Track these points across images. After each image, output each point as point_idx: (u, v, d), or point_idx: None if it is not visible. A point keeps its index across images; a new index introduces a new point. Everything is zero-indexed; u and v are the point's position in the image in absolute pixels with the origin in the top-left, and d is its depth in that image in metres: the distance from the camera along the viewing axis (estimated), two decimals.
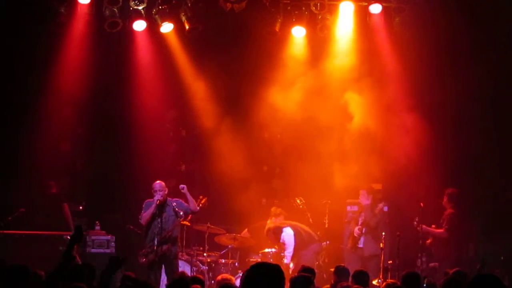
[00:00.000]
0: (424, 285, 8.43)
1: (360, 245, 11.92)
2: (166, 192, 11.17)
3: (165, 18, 12.39)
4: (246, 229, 12.67)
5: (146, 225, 11.19)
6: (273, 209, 12.83)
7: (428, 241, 12.19)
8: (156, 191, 11.11)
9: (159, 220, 10.98)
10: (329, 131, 12.97)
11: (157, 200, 11.00)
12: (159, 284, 10.69)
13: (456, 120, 12.81)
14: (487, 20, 12.15)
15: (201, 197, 11.60)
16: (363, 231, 11.90)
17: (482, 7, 12.06)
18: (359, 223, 12.02)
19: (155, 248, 10.81)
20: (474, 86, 12.53)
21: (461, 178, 12.63)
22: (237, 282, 10.22)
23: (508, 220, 12.36)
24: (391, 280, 8.70)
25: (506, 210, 12.39)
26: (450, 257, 11.75)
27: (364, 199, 12.20)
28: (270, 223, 12.73)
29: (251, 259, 12.17)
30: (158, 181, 11.27)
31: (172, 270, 10.90)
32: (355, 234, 12.01)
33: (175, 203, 11.15)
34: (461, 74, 12.53)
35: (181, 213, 11.08)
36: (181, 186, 11.15)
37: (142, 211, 11.22)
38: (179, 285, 6.33)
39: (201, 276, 7.48)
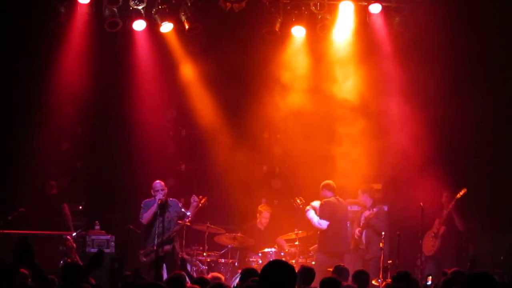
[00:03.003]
0: (428, 283, 8.42)
1: (362, 246, 11.89)
2: (166, 192, 11.22)
3: (165, 17, 12.39)
4: (239, 233, 12.64)
5: (147, 224, 11.21)
6: (259, 207, 12.92)
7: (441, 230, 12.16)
8: (157, 190, 11.15)
9: (161, 219, 11.00)
10: (329, 130, 12.98)
11: (159, 199, 11.04)
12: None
13: (456, 119, 12.80)
14: (486, 19, 12.15)
15: (200, 197, 11.62)
16: (363, 233, 11.87)
17: (481, 6, 12.06)
18: (361, 224, 12.01)
19: (155, 248, 10.83)
20: (474, 84, 12.54)
21: (460, 178, 12.63)
22: (235, 283, 10.25)
23: (508, 219, 12.36)
24: (391, 280, 8.68)
25: (506, 210, 12.38)
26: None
27: (365, 200, 12.19)
28: (259, 223, 12.77)
29: (251, 259, 12.19)
30: (158, 181, 11.31)
31: (174, 269, 10.90)
32: (356, 236, 11.99)
33: (181, 204, 11.23)
34: (461, 72, 12.54)
35: (188, 213, 11.16)
36: (195, 199, 11.21)
37: (142, 211, 11.25)
38: (176, 282, 6.35)
39: (206, 277, 7.45)
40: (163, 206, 11.10)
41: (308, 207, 11.86)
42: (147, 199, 11.31)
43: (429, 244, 12.11)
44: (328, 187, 11.89)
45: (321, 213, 11.75)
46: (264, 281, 4.52)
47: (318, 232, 11.85)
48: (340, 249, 11.62)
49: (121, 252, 11.22)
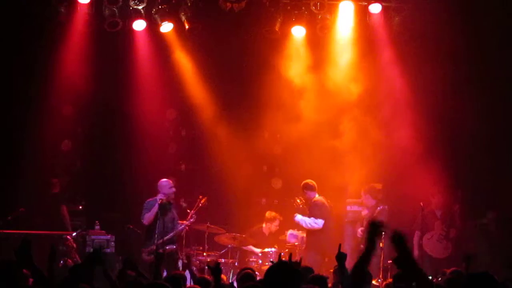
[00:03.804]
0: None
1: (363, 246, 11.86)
2: (172, 191, 11.26)
3: (165, 17, 12.41)
4: (244, 235, 12.63)
5: (150, 224, 11.20)
6: (267, 213, 12.82)
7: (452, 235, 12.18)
8: (171, 187, 11.23)
9: (162, 220, 11.03)
10: (329, 130, 12.99)
11: (159, 199, 11.05)
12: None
13: (457, 118, 12.81)
14: (484, 18, 12.17)
15: (200, 196, 11.67)
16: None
17: (480, 5, 12.10)
18: (364, 224, 12.02)
19: (155, 247, 10.84)
20: (474, 84, 12.55)
21: (460, 177, 12.64)
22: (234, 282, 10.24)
23: (508, 219, 12.37)
24: (391, 280, 8.68)
25: (506, 210, 12.39)
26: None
27: (367, 201, 12.21)
28: (265, 228, 12.74)
29: (251, 259, 12.18)
30: (165, 179, 11.33)
31: (175, 269, 10.95)
32: (358, 235, 12.01)
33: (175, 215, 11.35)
34: (461, 72, 12.54)
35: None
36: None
37: (144, 211, 11.22)
38: (175, 282, 6.37)
39: (208, 278, 7.46)
40: (164, 207, 11.11)
41: (296, 214, 11.83)
42: (150, 199, 11.30)
43: (440, 247, 12.09)
44: (311, 187, 11.88)
45: (316, 212, 11.70)
46: (268, 282, 4.50)
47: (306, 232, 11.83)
48: (332, 248, 11.52)
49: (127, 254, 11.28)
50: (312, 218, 11.72)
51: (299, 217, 11.81)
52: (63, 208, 12.54)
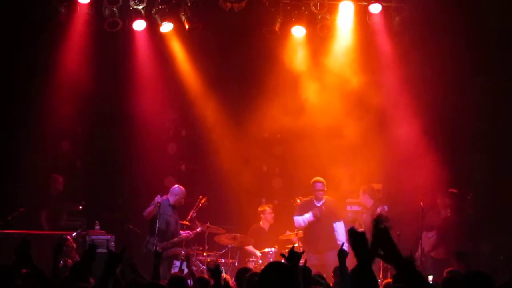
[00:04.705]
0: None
1: None
2: (178, 199, 11.33)
3: (165, 17, 12.42)
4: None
5: (152, 223, 11.26)
6: (259, 208, 12.85)
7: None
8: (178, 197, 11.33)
9: (164, 221, 11.10)
10: (329, 130, 12.99)
11: (158, 202, 11.08)
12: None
13: (457, 119, 12.81)
14: (484, 18, 12.17)
15: (200, 196, 11.70)
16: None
17: (480, 5, 12.10)
18: (363, 225, 12.02)
19: (155, 247, 10.86)
20: (474, 84, 12.55)
21: (460, 177, 12.64)
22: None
23: (508, 219, 12.35)
24: (391, 280, 8.68)
25: (506, 210, 12.38)
26: None
27: (365, 201, 12.21)
28: (263, 223, 12.74)
29: (251, 259, 12.17)
30: (178, 187, 11.41)
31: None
32: None
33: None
34: (461, 72, 12.54)
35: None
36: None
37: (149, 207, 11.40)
38: (177, 282, 6.38)
39: (206, 277, 7.47)
40: (172, 210, 11.28)
41: (339, 242, 11.61)
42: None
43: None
44: None
45: (341, 213, 11.93)
46: (263, 283, 4.46)
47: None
48: None
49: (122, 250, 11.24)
50: (341, 222, 11.86)
51: (343, 239, 11.56)
52: (42, 214, 12.44)
